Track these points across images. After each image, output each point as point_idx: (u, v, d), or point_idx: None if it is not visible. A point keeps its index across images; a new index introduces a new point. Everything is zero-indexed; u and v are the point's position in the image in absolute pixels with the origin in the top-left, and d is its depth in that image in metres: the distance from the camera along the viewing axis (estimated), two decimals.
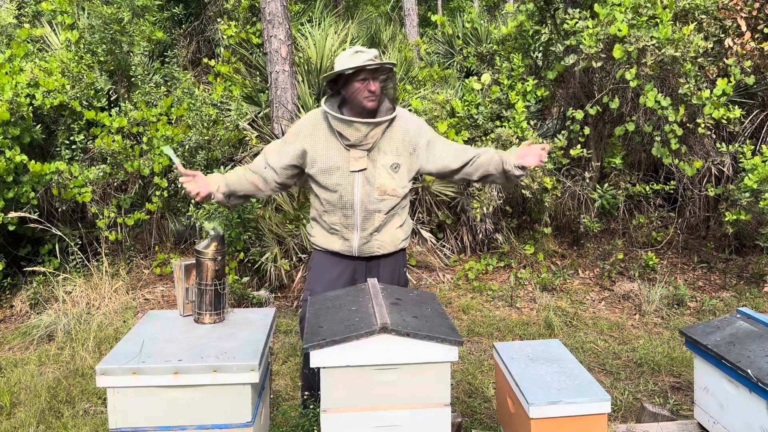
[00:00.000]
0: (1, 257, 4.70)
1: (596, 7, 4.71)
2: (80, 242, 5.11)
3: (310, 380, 2.89)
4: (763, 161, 4.63)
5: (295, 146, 2.79)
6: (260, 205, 4.73)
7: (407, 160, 2.80)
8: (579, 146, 5.14)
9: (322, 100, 2.80)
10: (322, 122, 2.79)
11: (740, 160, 4.84)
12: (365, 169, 2.74)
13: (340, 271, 2.86)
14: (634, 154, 5.64)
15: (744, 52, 4.82)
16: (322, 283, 2.82)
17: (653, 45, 4.53)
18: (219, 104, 5.39)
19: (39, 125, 4.79)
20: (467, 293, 5.10)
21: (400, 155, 2.78)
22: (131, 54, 5.75)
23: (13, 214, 4.37)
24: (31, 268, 4.73)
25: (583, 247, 5.71)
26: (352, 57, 2.70)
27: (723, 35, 4.96)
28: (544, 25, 5.55)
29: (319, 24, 6.70)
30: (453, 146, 2.89)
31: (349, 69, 2.66)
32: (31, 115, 4.63)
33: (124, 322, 4.38)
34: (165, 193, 5.05)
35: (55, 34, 6.09)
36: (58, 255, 4.96)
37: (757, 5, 4.85)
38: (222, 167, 4.63)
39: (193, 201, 4.84)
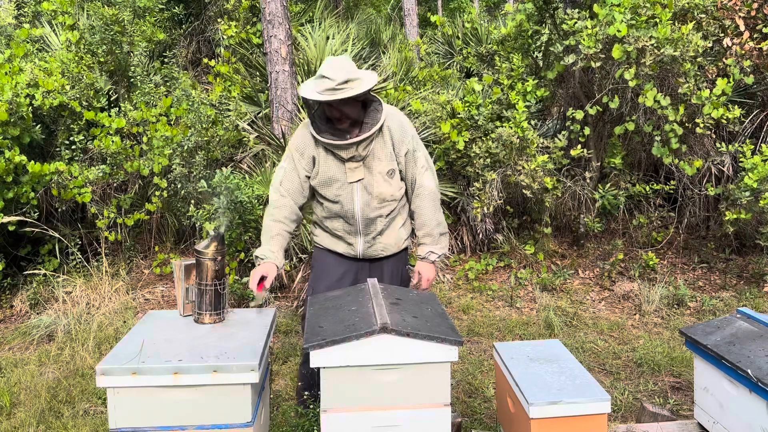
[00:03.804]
0: (1, 257, 4.70)
1: (595, 8, 4.71)
2: (80, 242, 5.11)
3: (308, 380, 2.89)
4: (763, 160, 4.62)
5: (307, 155, 2.78)
6: (261, 206, 4.73)
7: (398, 162, 2.82)
8: (579, 146, 5.14)
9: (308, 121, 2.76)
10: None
11: (740, 160, 4.84)
12: (363, 178, 2.75)
13: (343, 272, 2.87)
14: (634, 154, 5.63)
15: (743, 51, 4.82)
16: (326, 284, 2.82)
17: (652, 45, 4.53)
18: (218, 105, 5.39)
19: (39, 125, 4.79)
20: (467, 293, 5.10)
21: (393, 159, 2.78)
22: (131, 54, 5.75)
23: (7, 218, 4.36)
24: (31, 271, 4.73)
25: (583, 247, 5.71)
26: (314, 83, 2.65)
27: (722, 35, 4.96)
28: (543, 25, 5.55)
29: (320, 24, 6.70)
30: (420, 172, 2.83)
31: (310, 100, 2.64)
32: (30, 115, 4.63)
33: (124, 322, 4.38)
34: (165, 194, 5.05)
35: (55, 34, 6.09)
36: (57, 255, 4.96)
37: (755, 5, 4.85)
38: (221, 168, 4.63)
39: (193, 202, 4.84)
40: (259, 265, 2.70)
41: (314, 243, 2.96)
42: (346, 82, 2.58)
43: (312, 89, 2.64)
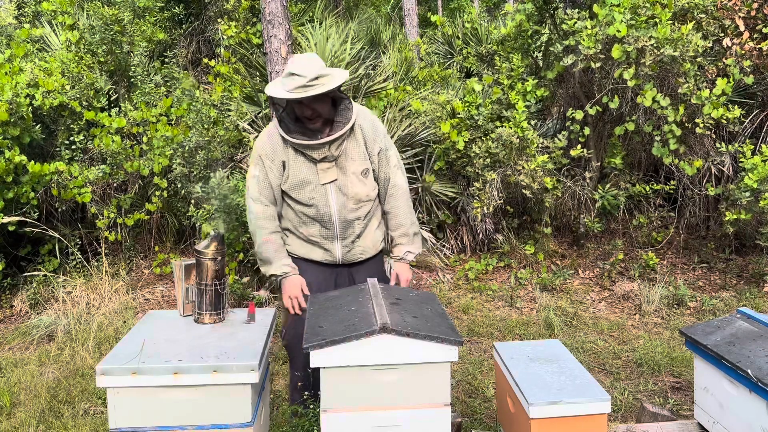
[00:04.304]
0: (1, 257, 4.70)
1: (595, 8, 4.71)
2: (80, 242, 5.11)
3: (296, 381, 2.87)
4: (763, 161, 4.62)
5: (277, 161, 2.69)
6: None
7: (372, 161, 2.77)
8: (579, 146, 5.14)
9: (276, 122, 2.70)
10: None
11: (740, 160, 4.84)
12: (336, 179, 2.68)
13: (321, 280, 2.79)
14: (634, 154, 5.63)
15: (743, 51, 4.82)
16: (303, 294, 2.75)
17: (652, 45, 4.53)
18: (219, 105, 5.39)
19: (39, 125, 4.79)
20: (467, 293, 5.10)
21: (366, 159, 2.73)
22: (131, 54, 5.75)
23: (7, 218, 4.36)
24: (30, 273, 4.73)
25: (583, 247, 5.71)
26: (283, 81, 2.58)
27: (722, 35, 4.96)
28: (543, 25, 5.55)
29: (320, 24, 6.70)
30: (393, 171, 2.80)
31: (276, 99, 2.58)
32: (30, 115, 4.63)
33: (124, 322, 4.38)
34: (165, 194, 5.05)
35: (55, 34, 6.09)
36: (57, 255, 4.96)
37: (755, 5, 4.85)
38: (221, 168, 4.63)
39: (193, 202, 4.84)
40: (284, 279, 2.71)
41: (288, 253, 2.84)
42: (317, 78, 2.53)
43: (281, 88, 2.57)
